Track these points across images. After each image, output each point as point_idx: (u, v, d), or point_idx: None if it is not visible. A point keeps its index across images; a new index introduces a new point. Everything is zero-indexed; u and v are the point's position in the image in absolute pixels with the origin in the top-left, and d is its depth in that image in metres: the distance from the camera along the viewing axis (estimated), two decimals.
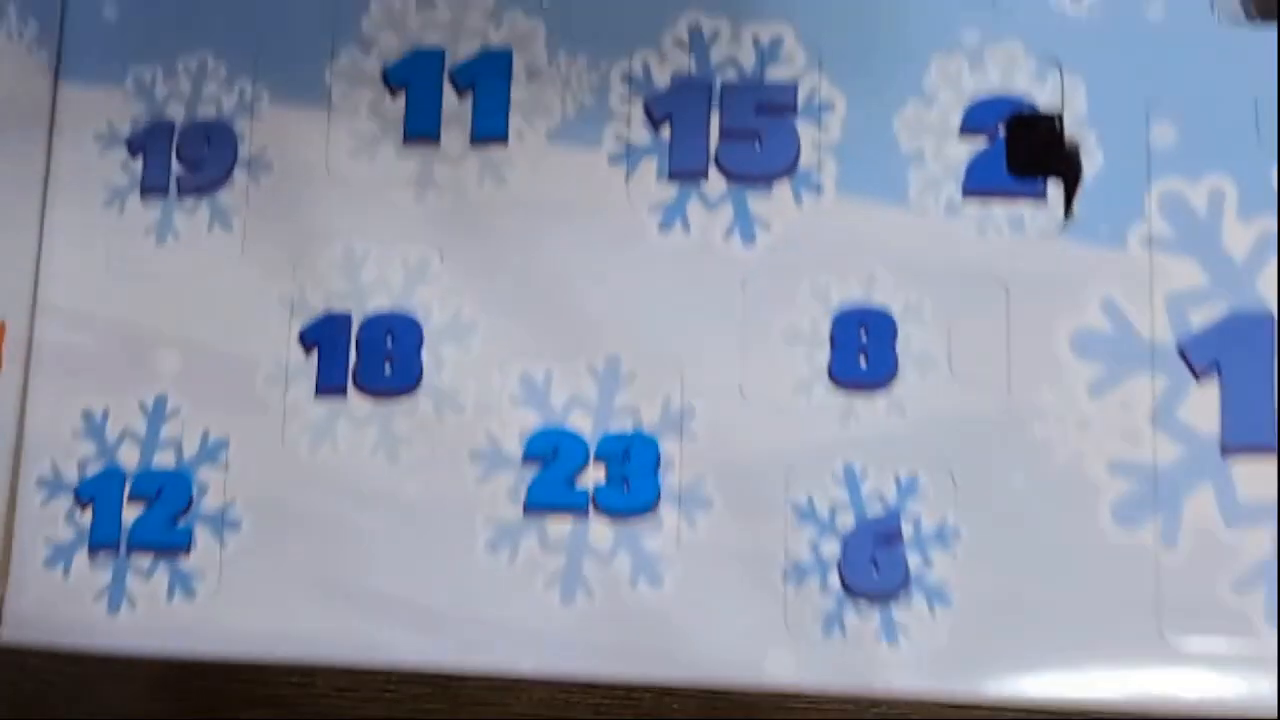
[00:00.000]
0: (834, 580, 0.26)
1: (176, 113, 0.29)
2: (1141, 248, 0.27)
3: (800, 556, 0.26)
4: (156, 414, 0.28)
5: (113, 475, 0.28)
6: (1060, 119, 0.27)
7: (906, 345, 0.27)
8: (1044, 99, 0.27)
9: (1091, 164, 0.27)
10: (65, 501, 0.28)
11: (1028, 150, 0.27)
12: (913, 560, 0.26)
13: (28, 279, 0.29)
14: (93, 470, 0.28)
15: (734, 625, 0.26)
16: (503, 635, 0.27)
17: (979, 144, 0.27)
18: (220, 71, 0.29)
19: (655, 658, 0.26)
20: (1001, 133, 0.27)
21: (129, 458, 0.28)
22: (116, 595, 0.27)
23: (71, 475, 0.28)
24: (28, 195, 0.29)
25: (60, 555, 0.28)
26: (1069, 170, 0.27)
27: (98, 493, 0.28)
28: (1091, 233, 0.27)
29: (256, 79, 0.29)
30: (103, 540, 0.27)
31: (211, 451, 0.28)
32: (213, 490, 0.27)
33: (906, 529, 0.26)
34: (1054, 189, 0.27)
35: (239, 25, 0.29)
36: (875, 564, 0.26)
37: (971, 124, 0.27)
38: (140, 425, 0.28)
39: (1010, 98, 0.27)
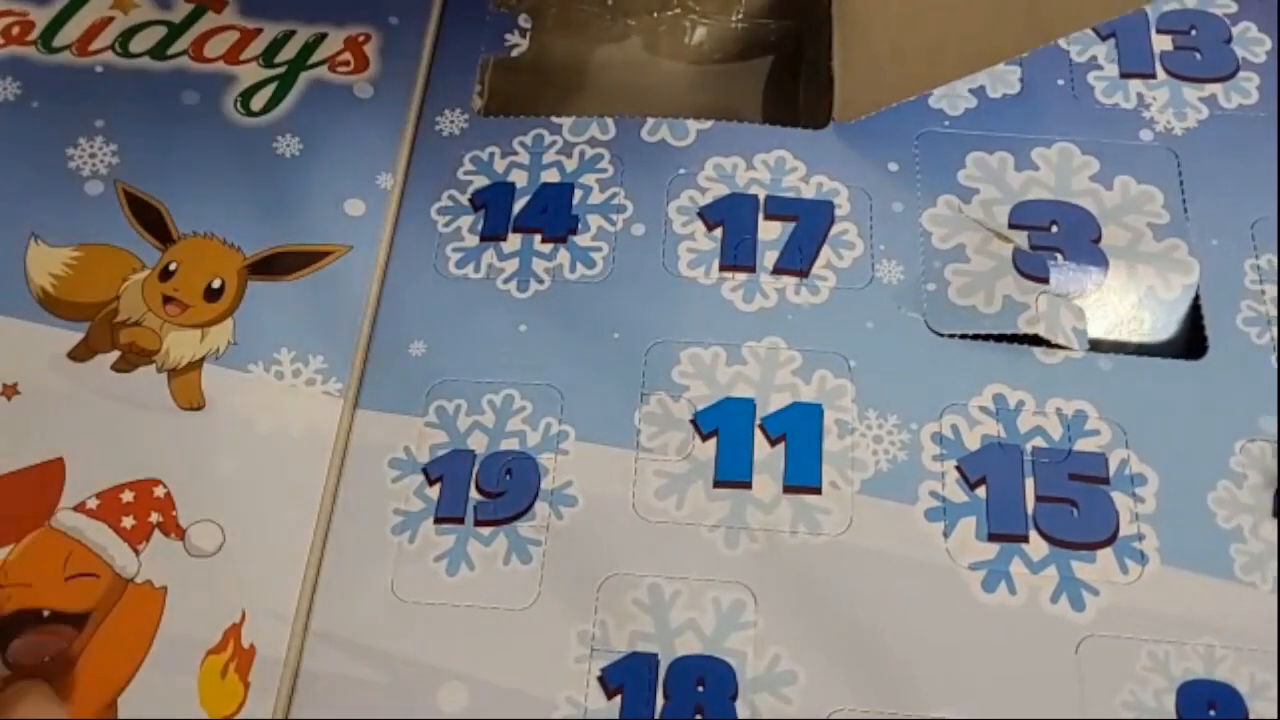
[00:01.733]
0: None
1: (479, 443, 0.29)
2: None
3: None
4: None
5: None
6: None
7: None
8: None
9: None
10: None
11: None
12: None
13: (290, 602, 0.27)
14: None
15: None
16: None
17: None
18: (526, 408, 0.29)
19: None
20: None
21: None
22: None
23: None
24: (303, 520, 0.28)
25: None
26: None
27: None
28: None
29: (562, 419, 0.29)
30: None
31: None
32: None
33: None
34: None
35: (546, 370, 0.29)
36: None
37: None
38: None
39: None
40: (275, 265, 0.31)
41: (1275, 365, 0.29)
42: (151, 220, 0.32)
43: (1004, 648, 0.26)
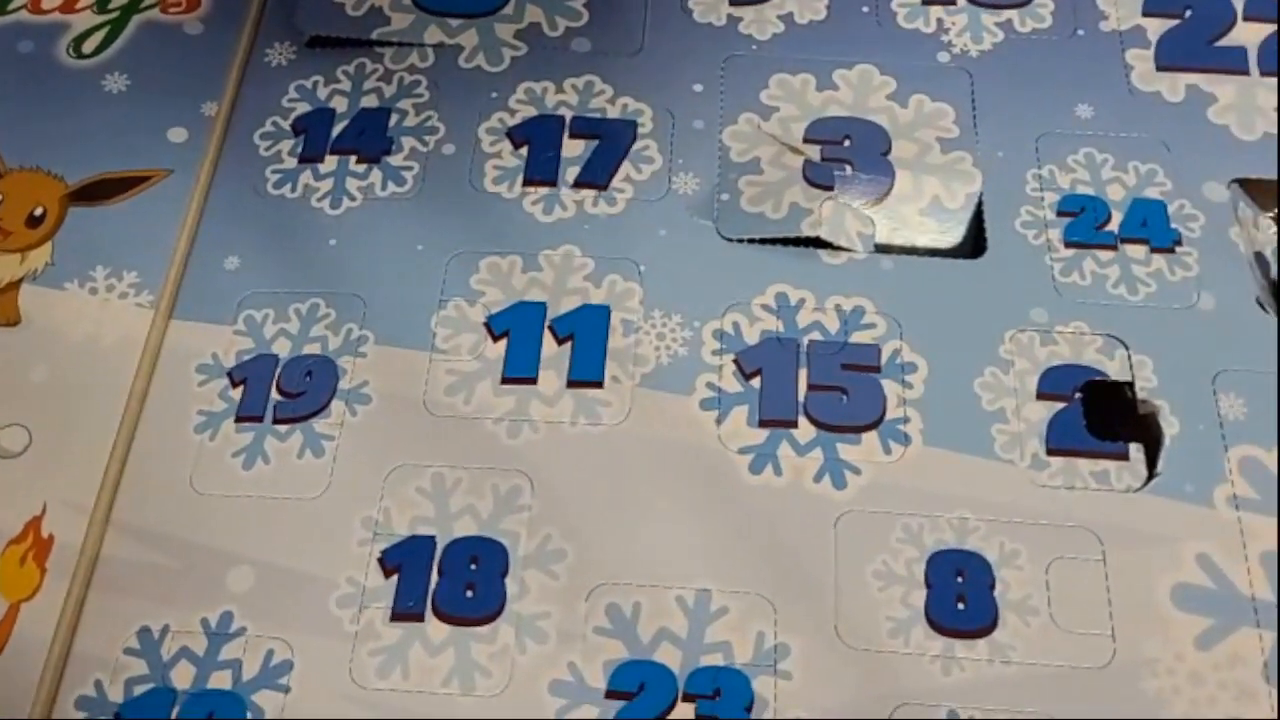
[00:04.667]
0: None
1: (282, 347, 0.30)
2: (1229, 507, 0.27)
3: None
4: (220, 632, 0.26)
5: (161, 696, 0.26)
6: (1132, 386, 0.29)
7: (1005, 591, 0.26)
8: (1114, 369, 0.29)
9: (1168, 428, 0.28)
10: None
11: (1105, 413, 0.28)
12: None
13: (91, 496, 0.28)
14: (140, 690, 0.26)
15: None
16: None
17: (1057, 406, 0.28)
18: (330, 315, 0.30)
19: None
20: (1078, 397, 0.28)
21: (182, 677, 0.26)
22: None
23: (117, 695, 0.26)
24: (107, 422, 0.29)
25: None
26: (1147, 433, 0.28)
27: (141, 717, 0.26)
28: (1177, 490, 0.27)
29: (364, 324, 0.30)
30: None
31: (273, 674, 0.26)
32: (269, 710, 0.25)
33: None
34: (1135, 449, 0.28)
35: (352, 280, 0.31)
36: None
37: (1048, 388, 0.29)
38: (200, 644, 0.26)
39: (1082, 366, 0.29)
40: (96, 191, 0.32)
41: (1050, 266, 0.30)
42: None
43: (765, 524, 0.27)
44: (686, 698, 0.25)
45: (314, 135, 0.33)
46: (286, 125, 0.33)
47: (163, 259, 0.31)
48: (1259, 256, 0.31)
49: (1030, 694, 0.25)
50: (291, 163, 0.33)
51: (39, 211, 0.32)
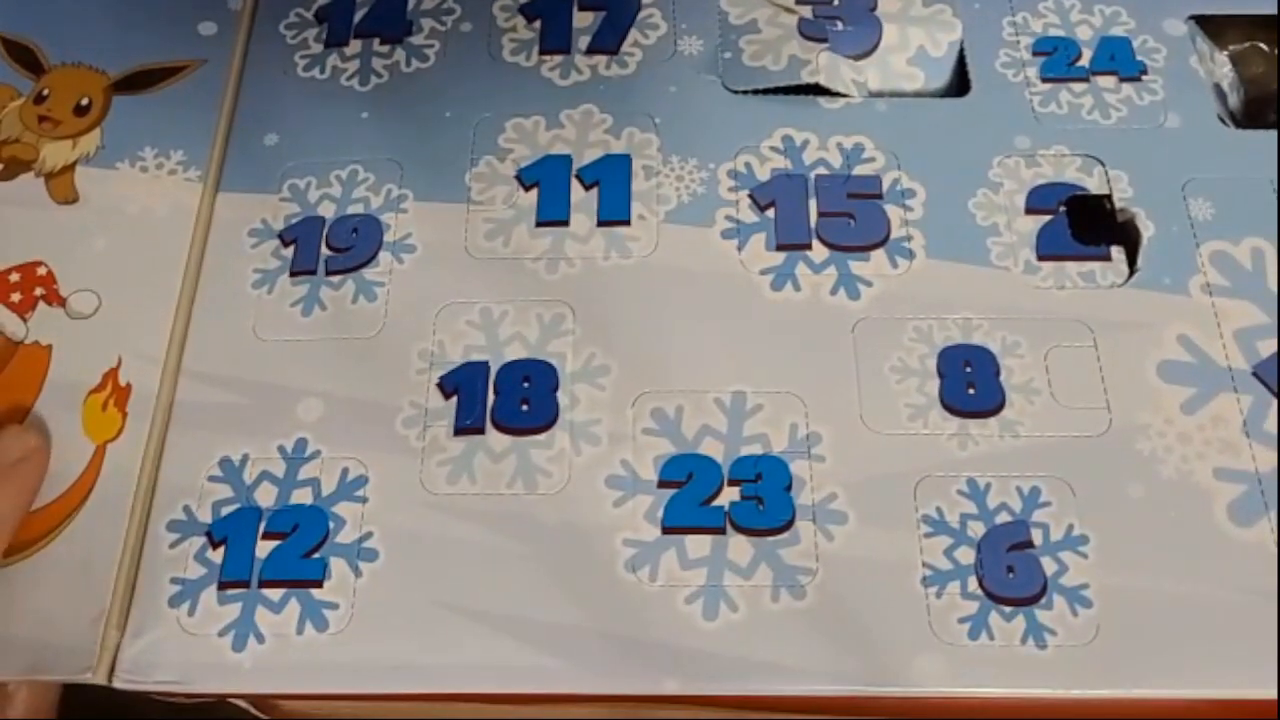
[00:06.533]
0: (974, 586, 0.27)
1: (327, 210, 0.32)
2: (1203, 294, 0.30)
3: (938, 564, 0.27)
4: (296, 456, 0.29)
5: (248, 514, 0.28)
6: (1110, 198, 0.31)
7: (1009, 377, 0.29)
8: (1093, 184, 0.32)
9: (1145, 230, 0.31)
10: (197, 542, 0.28)
11: (1087, 223, 0.31)
12: (1047, 565, 0.27)
13: (161, 347, 0.30)
14: (227, 510, 0.28)
15: (880, 632, 0.26)
16: (645, 653, 0.26)
17: (1044, 219, 0.31)
18: (369, 179, 0.32)
19: (802, 670, 0.26)
20: (1062, 210, 0.31)
21: (266, 496, 0.28)
22: (244, 631, 0.27)
23: (205, 516, 0.28)
24: (170, 283, 0.31)
25: (188, 593, 0.27)
26: (1127, 236, 0.31)
27: (231, 531, 0.28)
28: (1156, 283, 0.30)
29: (402, 184, 0.32)
30: (234, 576, 0.27)
31: (350, 488, 0.28)
32: (350, 523, 0.28)
33: (1035, 536, 0.27)
34: (1116, 250, 0.31)
35: (387, 147, 0.33)
36: (1011, 569, 0.27)
37: (1035, 204, 0.31)
38: (279, 467, 0.28)
39: (1064, 183, 0.32)
40: (137, 82, 0.34)
41: (1029, 99, 0.33)
42: (25, 57, 0.35)
43: (790, 333, 0.30)
44: (731, 482, 0.28)
45: (337, 21, 0.35)
46: (309, 15, 0.36)
47: (205, 139, 0.33)
48: (1217, 88, 0.34)
49: (1039, 460, 0.28)
50: (318, 48, 0.35)
51: (85, 101, 0.34)
